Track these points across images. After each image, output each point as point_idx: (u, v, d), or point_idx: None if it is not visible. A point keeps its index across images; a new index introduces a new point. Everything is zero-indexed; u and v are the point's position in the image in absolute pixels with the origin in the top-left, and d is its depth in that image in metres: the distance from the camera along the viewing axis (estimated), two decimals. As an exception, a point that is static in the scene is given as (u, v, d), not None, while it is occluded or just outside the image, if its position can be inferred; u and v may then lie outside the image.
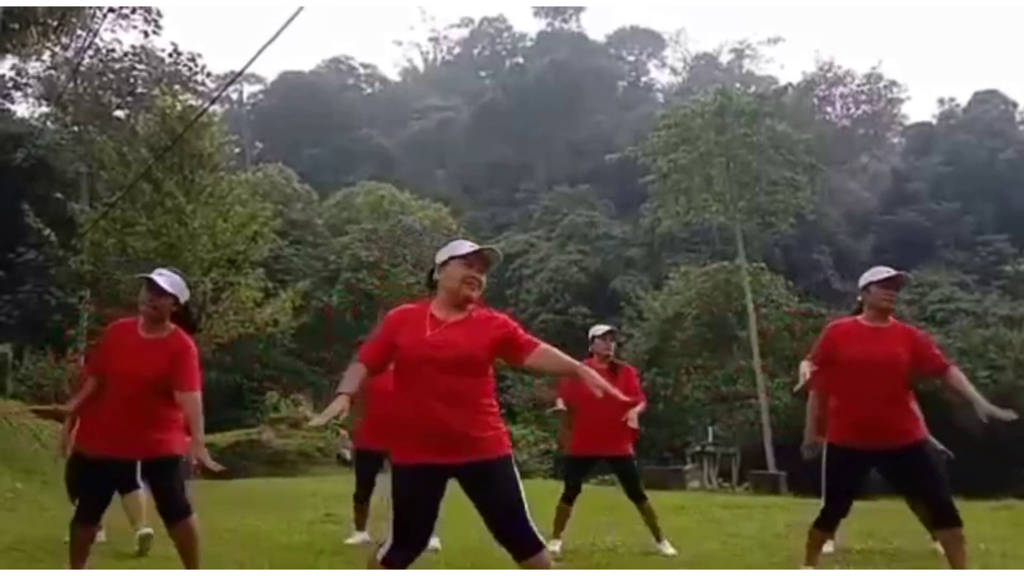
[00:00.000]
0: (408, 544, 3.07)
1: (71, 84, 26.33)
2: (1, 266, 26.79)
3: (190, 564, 3.96)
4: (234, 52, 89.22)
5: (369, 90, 68.88)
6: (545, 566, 3.03)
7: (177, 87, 22.83)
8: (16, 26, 15.83)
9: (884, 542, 5.94)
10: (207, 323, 16.06)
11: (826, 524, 4.44)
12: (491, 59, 69.84)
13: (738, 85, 41.28)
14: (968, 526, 4.10)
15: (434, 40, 75.36)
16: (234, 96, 57.54)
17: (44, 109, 30.16)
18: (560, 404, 6.13)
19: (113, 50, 26.93)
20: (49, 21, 16.72)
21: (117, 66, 27.15)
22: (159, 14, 25.52)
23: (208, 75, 28.61)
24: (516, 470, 3.12)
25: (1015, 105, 52.93)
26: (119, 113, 26.87)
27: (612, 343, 6.02)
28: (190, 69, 27.92)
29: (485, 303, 3.33)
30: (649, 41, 67.74)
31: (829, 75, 51.82)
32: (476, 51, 71.84)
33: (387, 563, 3.07)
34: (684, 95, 44.25)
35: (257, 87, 62.20)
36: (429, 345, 3.07)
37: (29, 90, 30.34)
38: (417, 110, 60.09)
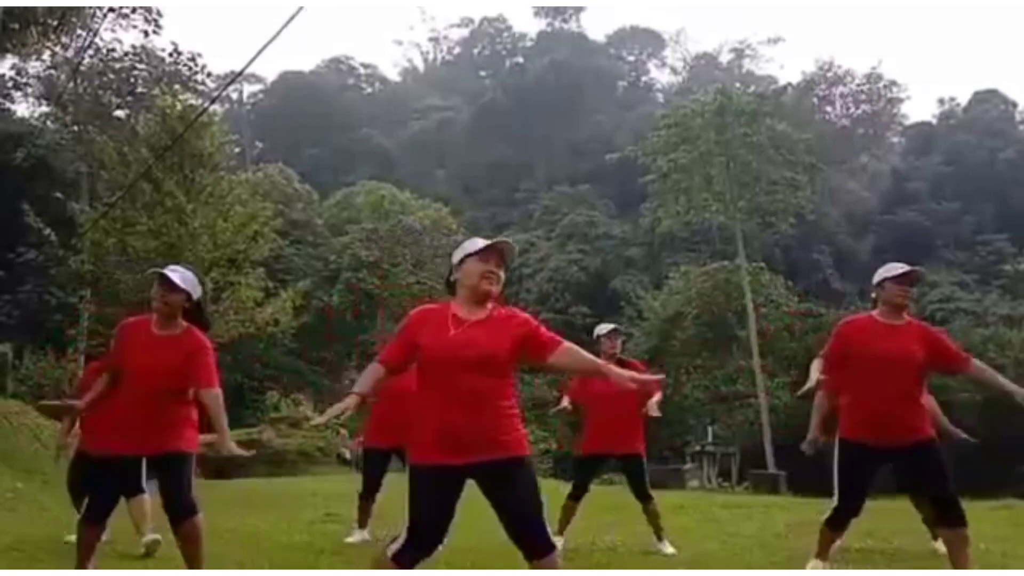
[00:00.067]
0: (421, 543, 3.07)
1: (71, 84, 26.31)
2: (1, 266, 26.78)
3: (193, 564, 3.94)
4: (234, 52, 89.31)
5: (369, 90, 68.90)
6: (555, 567, 3.05)
7: (177, 87, 22.80)
8: (16, 26, 15.82)
9: (884, 542, 5.94)
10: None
11: (838, 522, 4.42)
12: (491, 59, 69.87)
13: (738, 85, 41.27)
14: (968, 526, 4.10)
15: (434, 40, 75.50)
16: (234, 96, 57.57)
17: (44, 109, 30.15)
18: (565, 403, 6.13)
19: (113, 50, 26.90)
20: (49, 21, 16.71)
21: (117, 66, 27.12)
22: (159, 14, 25.48)
23: (208, 75, 28.60)
24: (535, 472, 3.13)
25: (1015, 105, 53.01)
26: (119, 113, 26.84)
27: (618, 341, 6.03)
28: (190, 69, 27.90)
29: (505, 301, 3.34)
30: (649, 41, 67.78)
31: (829, 75, 51.84)
32: (476, 51, 71.87)
33: (397, 560, 3.08)
34: (684, 95, 44.25)
35: (257, 87, 62.31)
36: (452, 344, 3.07)
37: (29, 90, 30.32)
38: (417, 110, 60.12)
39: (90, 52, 24.86)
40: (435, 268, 31.93)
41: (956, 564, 4.08)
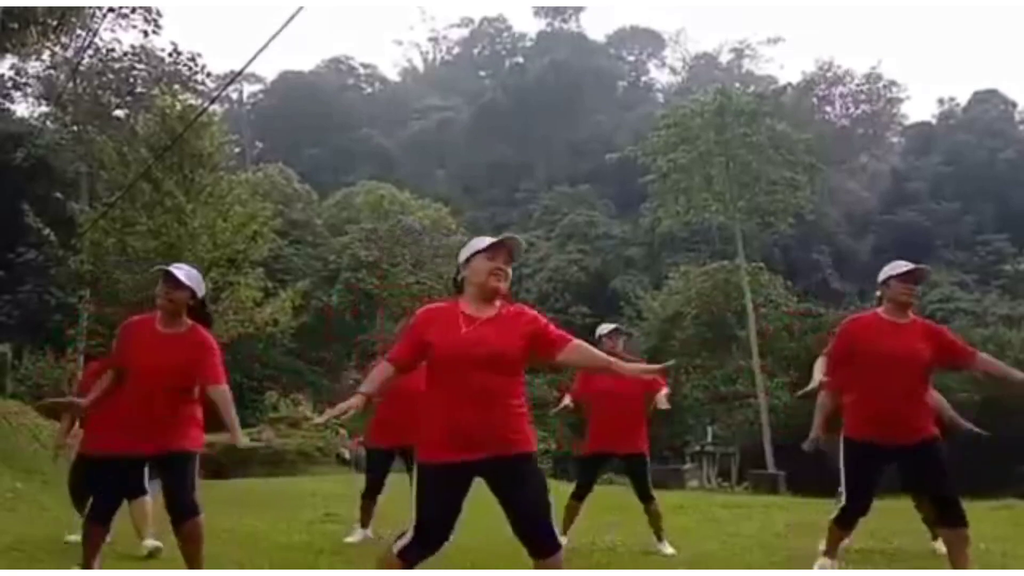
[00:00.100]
0: (428, 540, 3.08)
1: (71, 84, 26.29)
2: (1, 266, 26.77)
3: (193, 564, 3.94)
4: (234, 52, 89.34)
5: (369, 90, 68.92)
6: (559, 567, 3.05)
7: (177, 87, 22.79)
8: (16, 26, 15.80)
9: (884, 542, 5.94)
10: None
11: (845, 521, 4.42)
12: (491, 59, 69.89)
13: (738, 85, 41.28)
14: (968, 526, 4.10)
15: (434, 40, 75.53)
16: (234, 96, 57.56)
17: (44, 109, 30.12)
18: (567, 401, 6.12)
19: (113, 50, 26.87)
20: (49, 21, 16.69)
21: (117, 66, 27.10)
22: (159, 14, 25.45)
23: (208, 75, 28.55)
24: (542, 470, 3.14)
25: (1015, 105, 53.07)
26: (119, 113, 26.81)
27: (619, 340, 6.02)
28: (190, 69, 27.86)
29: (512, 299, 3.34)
30: (649, 41, 67.80)
31: (829, 75, 51.86)
32: (476, 51, 71.88)
33: (403, 556, 3.08)
34: (684, 95, 44.25)
35: (257, 87, 62.33)
36: (464, 342, 3.07)
37: (29, 90, 30.31)
38: (417, 110, 60.14)
39: (90, 52, 24.84)
40: (435, 268, 31.95)
41: (956, 564, 4.08)
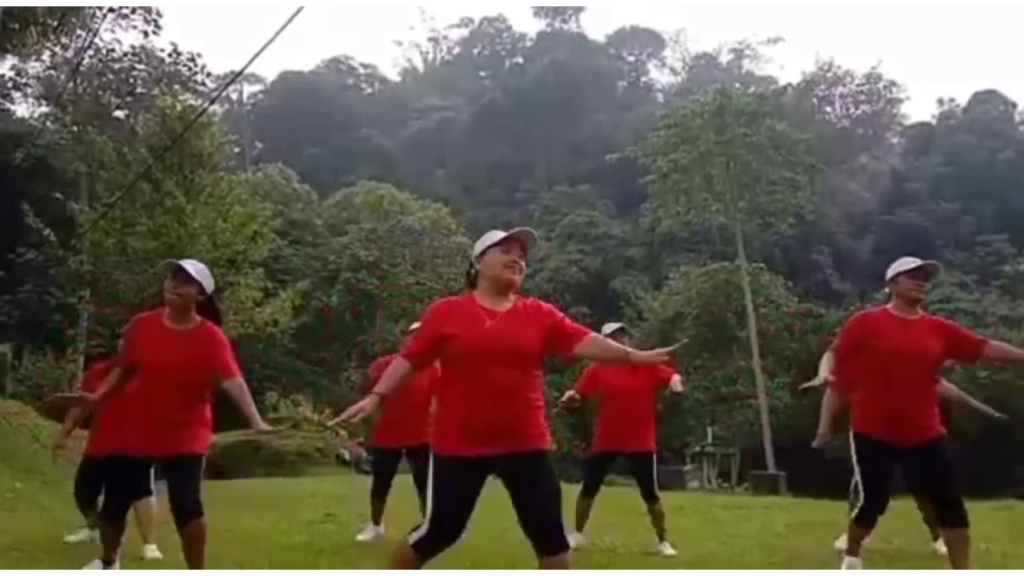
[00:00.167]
0: (442, 534, 3.08)
1: (71, 84, 26.30)
2: (1, 266, 26.77)
3: (194, 564, 3.94)
4: (234, 52, 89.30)
5: (369, 90, 68.93)
6: (566, 567, 3.05)
7: (177, 87, 22.78)
8: (16, 26, 15.79)
9: (884, 542, 5.93)
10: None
11: (865, 521, 4.40)
12: (491, 59, 69.89)
13: (738, 85, 41.28)
14: (970, 527, 4.10)
15: (434, 40, 75.53)
16: (234, 96, 57.55)
17: (44, 109, 30.13)
18: (572, 393, 6.08)
19: (113, 50, 26.89)
20: (49, 21, 16.68)
21: (117, 66, 27.10)
22: (159, 14, 25.47)
23: (208, 75, 28.56)
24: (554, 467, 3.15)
25: (1015, 105, 53.09)
26: (119, 113, 26.82)
27: (624, 339, 6.02)
28: (190, 69, 27.87)
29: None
30: (649, 41, 67.80)
31: (829, 75, 51.84)
32: (476, 51, 71.88)
33: (417, 548, 3.09)
34: (684, 95, 44.27)
35: (257, 87, 62.33)
36: (489, 336, 3.07)
37: (29, 90, 30.32)
38: (417, 110, 60.13)
39: (90, 52, 24.84)
40: (435, 269, 31.95)
41: (956, 564, 4.08)
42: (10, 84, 29.97)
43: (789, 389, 28.58)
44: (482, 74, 68.79)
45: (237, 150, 27.99)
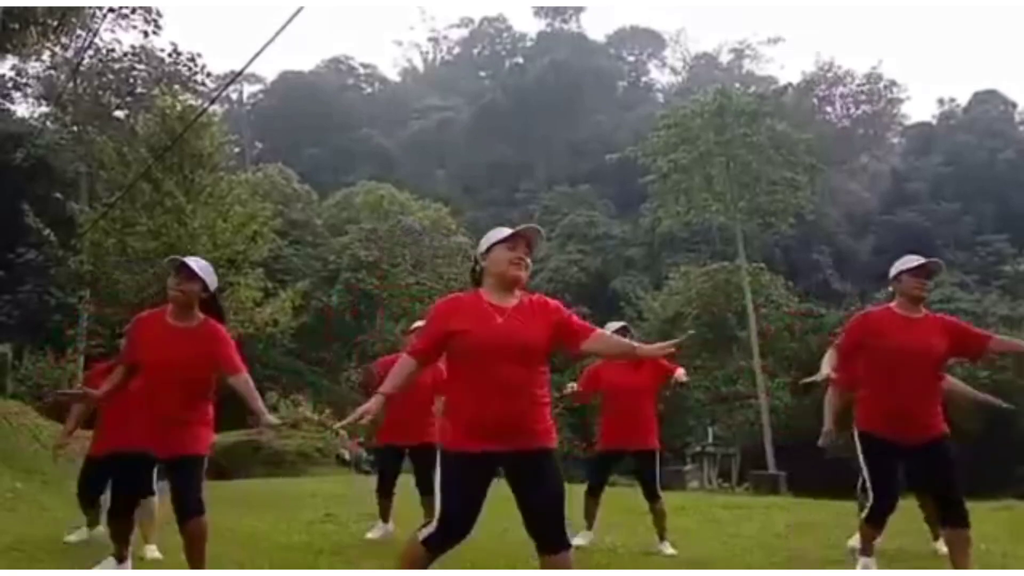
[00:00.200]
0: (451, 530, 3.08)
1: (71, 84, 26.30)
2: (1, 266, 26.76)
3: (194, 564, 3.94)
4: (234, 52, 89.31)
5: (369, 90, 68.92)
6: (568, 567, 3.05)
7: (177, 87, 22.79)
8: (16, 26, 15.79)
9: (885, 542, 5.93)
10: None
11: (875, 520, 4.39)
12: (491, 59, 69.89)
13: (738, 85, 41.28)
14: (971, 527, 4.10)
15: (434, 40, 75.53)
16: (234, 96, 57.55)
17: (44, 109, 30.12)
18: (573, 386, 6.06)
19: (113, 50, 26.88)
20: (49, 21, 16.68)
21: (117, 66, 27.11)
22: (159, 14, 25.46)
23: (208, 75, 28.56)
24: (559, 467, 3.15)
25: (1015, 105, 53.08)
26: (119, 113, 26.83)
27: (628, 338, 6.00)
28: (190, 69, 27.87)
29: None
30: (649, 41, 67.79)
31: (829, 75, 51.84)
32: (476, 51, 71.88)
33: (427, 544, 3.09)
34: (684, 95, 44.25)
35: (257, 87, 62.33)
36: (501, 332, 3.08)
37: (29, 90, 30.31)
38: (417, 110, 60.12)
39: (90, 52, 24.84)
40: (435, 268, 31.95)
41: (957, 564, 4.07)
42: (10, 84, 29.98)
43: (789, 389, 28.58)
44: (482, 74, 68.78)
45: (237, 150, 27.98)
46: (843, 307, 31.75)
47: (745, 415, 29.58)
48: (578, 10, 67.09)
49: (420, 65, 75.88)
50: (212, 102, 24.54)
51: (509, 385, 3.04)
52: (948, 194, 45.81)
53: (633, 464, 6.03)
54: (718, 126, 31.25)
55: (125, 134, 21.17)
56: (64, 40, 21.71)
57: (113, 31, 25.83)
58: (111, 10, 22.49)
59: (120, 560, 4.32)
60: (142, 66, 27.42)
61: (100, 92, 27.09)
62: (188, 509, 3.86)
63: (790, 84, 46.62)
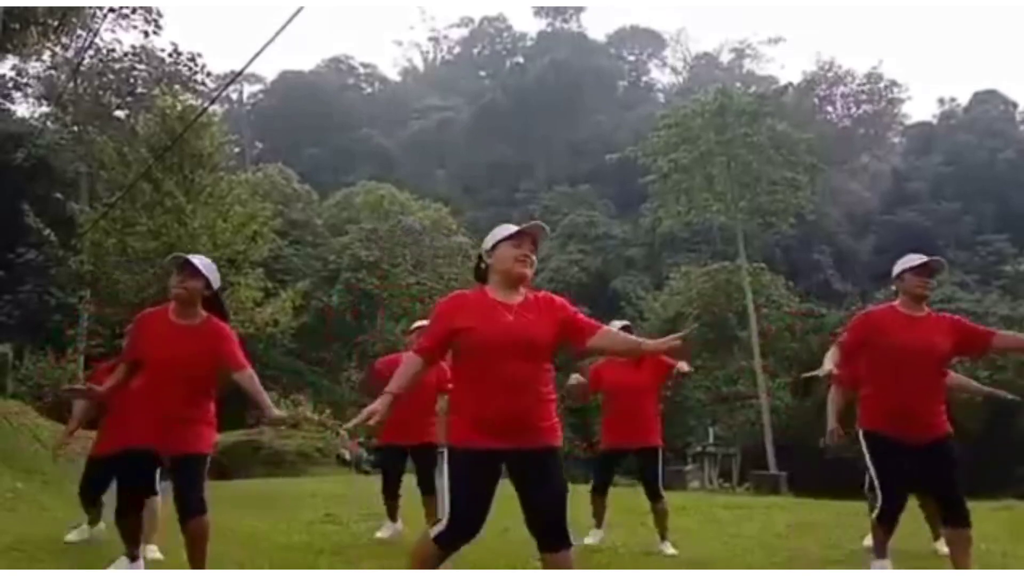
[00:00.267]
0: (460, 528, 3.07)
1: (71, 84, 26.31)
2: (1, 266, 26.77)
3: (196, 563, 3.94)
4: (234, 52, 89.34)
5: (369, 90, 68.91)
6: (569, 566, 3.05)
7: (177, 87, 22.80)
8: (16, 26, 15.81)
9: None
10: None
11: (885, 520, 4.37)
12: (491, 59, 69.86)
13: (738, 85, 41.29)
14: (972, 527, 4.09)
15: (434, 40, 75.51)
16: (234, 96, 57.54)
17: (44, 109, 30.15)
18: (580, 377, 6.04)
19: (113, 50, 26.92)
20: (49, 21, 16.71)
21: (117, 66, 27.13)
22: (159, 14, 25.51)
23: (208, 75, 28.59)
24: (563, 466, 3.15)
25: (1015, 105, 53.06)
26: (119, 113, 26.85)
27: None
28: (190, 69, 27.89)
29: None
30: (649, 41, 67.76)
31: (829, 75, 51.86)
32: (476, 51, 71.85)
33: (438, 542, 3.09)
34: (684, 95, 44.25)
35: (257, 87, 62.31)
36: (510, 329, 3.08)
37: (29, 90, 30.34)
38: (417, 110, 60.11)
39: (90, 52, 24.87)
40: (435, 268, 31.95)
41: (957, 564, 4.07)
42: (10, 84, 30.00)
43: (790, 389, 28.59)
44: (482, 74, 68.76)
45: (237, 150, 27.99)
46: (844, 307, 31.75)
47: (746, 415, 29.59)
48: (578, 10, 67.12)
49: (420, 65, 75.95)
50: (212, 102, 24.56)
51: (515, 381, 3.04)
52: (948, 194, 45.82)
53: (636, 463, 6.03)
54: (719, 126, 31.25)
55: (125, 134, 21.19)
56: (64, 40, 21.75)
57: (113, 31, 25.92)
58: (111, 10, 22.55)
59: (132, 560, 4.33)
60: (142, 66, 27.44)
61: (100, 92, 27.11)
62: (190, 508, 3.86)
63: (791, 84, 46.64)
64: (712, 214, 32.88)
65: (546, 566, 3.07)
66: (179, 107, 17.99)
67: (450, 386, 3.47)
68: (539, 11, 66.77)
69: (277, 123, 57.26)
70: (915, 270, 4.27)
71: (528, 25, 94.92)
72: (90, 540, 5.61)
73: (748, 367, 29.99)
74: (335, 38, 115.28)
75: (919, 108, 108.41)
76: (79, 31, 20.46)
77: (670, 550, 5.71)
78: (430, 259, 32.68)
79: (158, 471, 4.29)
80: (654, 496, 5.77)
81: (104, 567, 4.51)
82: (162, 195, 16.70)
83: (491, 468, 3.06)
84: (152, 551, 5.20)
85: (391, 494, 6.15)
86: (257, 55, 18.88)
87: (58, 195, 20.23)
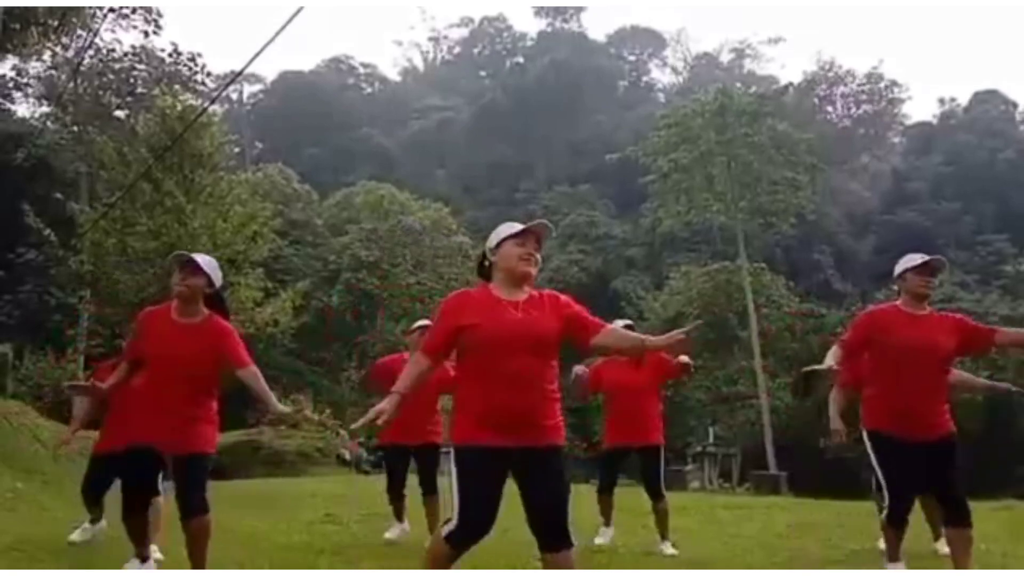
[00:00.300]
0: (470, 526, 3.06)
1: (71, 84, 26.31)
2: (1, 266, 26.77)
3: (196, 562, 3.95)
4: (234, 52, 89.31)
5: (369, 90, 68.89)
6: (570, 566, 3.05)
7: (177, 87, 22.78)
8: (16, 26, 15.81)
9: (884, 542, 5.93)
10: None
11: (895, 521, 4.34)
12: (491, 59, 69.85)
13: (739, 85, 41.27)
14: (973, 527, 4.09)
15: (434, 40, 75.48)
16: (234, 96, 57.53)
17: (44, 109, 30.16)
18: (584, 368, 6.02)
19: (113, 50, 26.92)
20: (49, 21, 16.71)
21: (117, 66, 27.13)
22: (159, 14, 25.52)
23: (208, 75, 28.60)
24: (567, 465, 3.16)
25: (1015, 105, 53.05)
26: (119, 113, 26.85)
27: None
28: (190, 69, 27.90)
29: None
30: (650, 41, 67.73)
31: (830, 75, 51.85)
32: (476, 51, 71.84)
33: (449, 540, 3.09)
34: (685, 95, 44.24)
35: (257, 87, 62.29)
36: (517, 326, 3.08)
37: (29, 90, 30.35)
38: (417, 110, 60.10)
39: (90, 52, 24.87)
40: (435, 268, 31.95)
41: (958, 564, 4.07)
42: (11, 84, 30.00)
43: (790, 389, 28.54)
44: (482, 74, 68.74)
45: (237, 150, 27.99)
46: (844, 307, 31.75)
47: (746, 415, 29.58)
48: (578, 10, 67.09)
49: (420, 65, 75.92)
50: (212, 102, 24.55)
51: (521, 377, 3.04)
52: (949, 194, 45.81)
53: (638, 461, 6.03)
54: (719, 126, 31.24)
55: (125, 134, 21.17)
56: (64, 40, 21.74)
57: (113, 31, 25.92)
58: (111, 10, 22.55)
59: (143, 560, 4.33)
60: (142, 66, 27.44)
61: (100, 92, 27.11)
62: (192, 507, 3.87)
63: (791, 84, 46.59)
64: (712, 214, 32.87)
65: (546, 566, 3.06)
66: (179, 107, 17.97)
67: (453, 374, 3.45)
68: (539, 11, 66.81)
69: (277, 123, 57.25)
70: (917, 269, 4.28)
71: (528, 25, 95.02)
72: (92, 540, 5.61)
73: (748, 367, 29.98)
74: (335, 38, 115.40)
75: (919, 108, 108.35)
76: (79, 31, 20.43)
77: (670, 550, 5.71)
78: (430, 259, 32.68)
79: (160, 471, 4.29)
80: (655, 495, 5.76)
81: (104, 567, 4.51)
82: (162, 195, 16.68)
83: (496, 465, 3.05)
84: (152, 551, 5.20)
85: (396, 495, 6.15)
86: (257, 55, 18.91)
87: (58, 195, 20.21)
